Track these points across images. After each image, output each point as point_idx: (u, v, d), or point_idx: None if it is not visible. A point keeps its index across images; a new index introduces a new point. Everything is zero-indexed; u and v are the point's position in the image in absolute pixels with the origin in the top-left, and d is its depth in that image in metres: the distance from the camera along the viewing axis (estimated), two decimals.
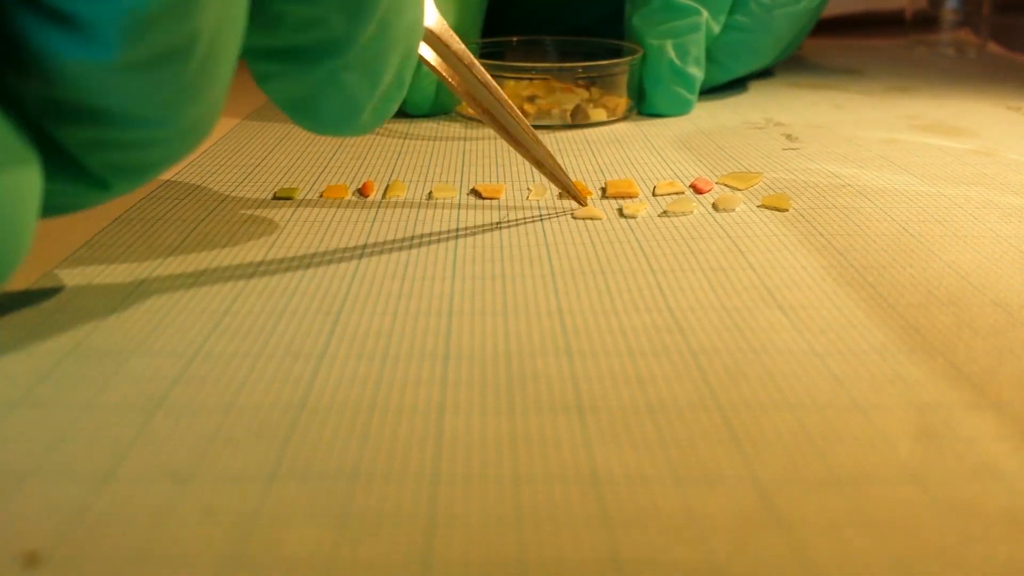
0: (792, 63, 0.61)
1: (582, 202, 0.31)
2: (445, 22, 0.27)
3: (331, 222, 0.30)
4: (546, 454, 0.17)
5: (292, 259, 0.27)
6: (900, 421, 0.18)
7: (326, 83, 0.23)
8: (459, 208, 0.31)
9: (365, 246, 0.28)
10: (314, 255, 0.27)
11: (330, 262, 0.26)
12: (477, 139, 0.40)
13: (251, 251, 0.27)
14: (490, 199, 0.32)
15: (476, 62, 0.28)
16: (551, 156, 0.30)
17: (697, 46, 0.44)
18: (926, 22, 0.66)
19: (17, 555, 0.15)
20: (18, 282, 0.25)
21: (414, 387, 0.20)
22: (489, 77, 0.28)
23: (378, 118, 0.25)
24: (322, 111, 0.23)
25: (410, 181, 0.34)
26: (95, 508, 0.16)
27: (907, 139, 0.39)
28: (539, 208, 0.31)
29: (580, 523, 0.15)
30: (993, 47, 0.65)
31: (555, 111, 0.44)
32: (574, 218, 0.30)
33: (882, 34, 0.72)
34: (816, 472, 0.17)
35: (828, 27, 0.73)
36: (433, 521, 0.16)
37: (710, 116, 0.45)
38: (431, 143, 0.40)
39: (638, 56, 0.44)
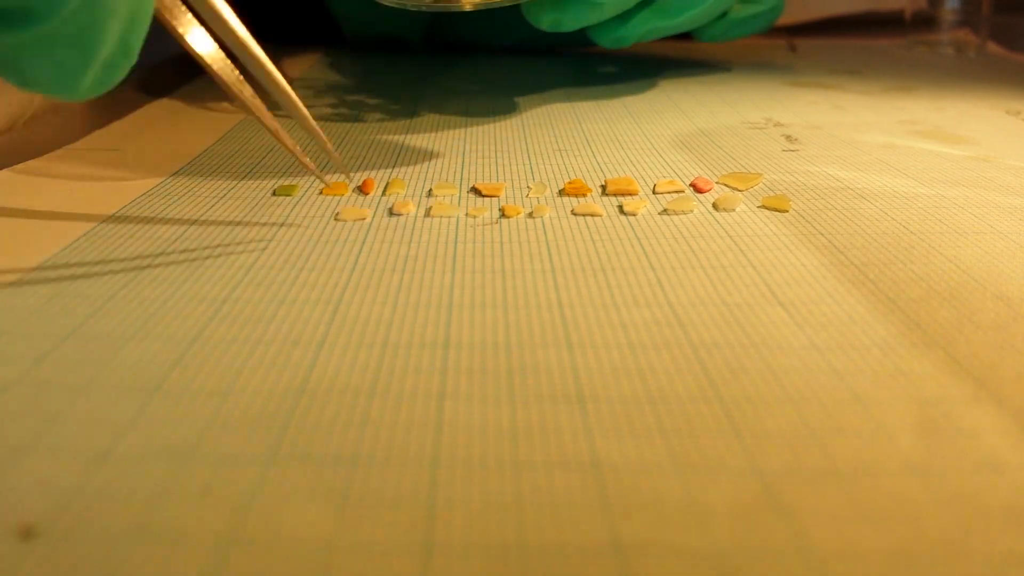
0: (792, 62, 0.61)
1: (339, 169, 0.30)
2: None
3: (331, 217, 0.30)
4: (547, 442, 0.17)
5: (291, 251, 0.26)
6: (901, 415, 0.18)
7: (30, 49, 0.21)
8: (460, 205, 0.31)
9: (365, 240, 0.28)
10: (313, 248, 0.27)
11: (329, 255, 0.26)
12: (477, 137, 0.40)
13: (250, 243, 0.27)
14: (490, 197, 0.32)
15: (235, 21, 0.25)
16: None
17: None
18: (926, 22, 0.66)
19: (13, 528, 0.14)
20: (15, 270, 0.25)
21: (414, 375, 0.20)
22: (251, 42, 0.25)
23: (102, 85, 0.24)
24: (30, 74, 0.22)
25: (410, 179, 0.34)
26: (92, 484, 0.16)
27: (906, 144, 0.39)
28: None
29: (581, 509, 0.15)
30: (993, 47, 0.65)
31: None
32: (574, 214, 0.30)
33: (882, 33, 0.73)
34: (818, 463, 0.17)
35: (828, 27, 0.73)
36: (433, 505, 0.15)
37: (710, 115, 0.45)
38: (431, 141, 0.40)
39: None
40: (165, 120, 0.44)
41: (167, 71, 0.56)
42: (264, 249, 0.27)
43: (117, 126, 0.43)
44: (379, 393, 0.19)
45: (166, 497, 0.15)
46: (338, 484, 0.16)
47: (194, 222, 0.29)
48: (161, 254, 0.26)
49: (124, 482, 0.16)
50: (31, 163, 0.36)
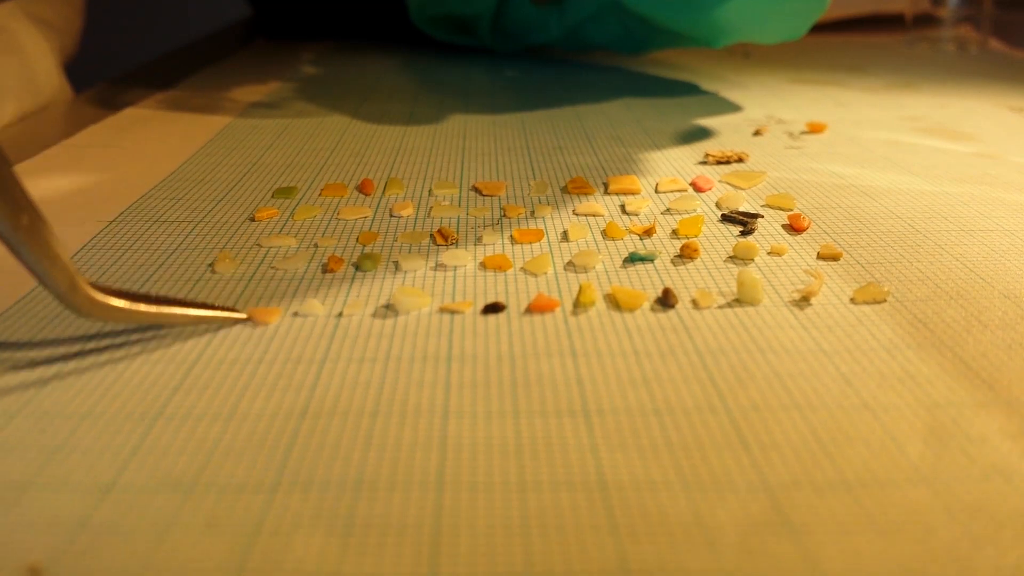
0: (794, 59, 0.61)
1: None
2: None
3: (331, 221, 0.29)
4: (552, 459, 0.17)
5: (292, 260, 0.26)
6: (910, 421, 0.18)
7: None
8: (460, 205, 0.31)
9: (364, 247, 0.27)
10: (314, 253, 0.27)
11: (329, 261, 0.26)
12: (476, 135, 0.40)
13: (249, 252, 0.27)
14: (491, 196, 0.32)
15: None
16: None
17: None
18: (927, 19, 0.65)
19: (20, 568, 0.14)
20: (15, 290, 0.24)
21: (417, 390, 0.20)
22: None
23: None
24: None
25: (409, 179, 0.34)
26: (96, 519, 0.16)
27: (910, 141, 0.39)
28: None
29: (587, 531, 0.15)
30: (994, 43, 0.65)
31: None
32: (575, 214, 0.30)
33: (883, 30, 0.72)
34: (826, 475, 0.17)
35: (831, 27, 0.73)
36: (438, 530, 0.15)
37: (712, 113, 0.45)
38: (429, 140, 0.39)
39: None
40: (160, 118, 0.44)
41: (161, 69, 0.56)
42: (265, 255, 0.27)
43: (112, 121, 0.42)
44: (382, 412, 0.19)
45: (170, 531, 0.15)
46: (342, 511, 0.16)
47: (192, 228, 0.29)
48: (161, 266, 0.26)
49: (128, 516, 0.16)
50: (27, 163, 0.35)
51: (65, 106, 0.48)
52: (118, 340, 0.22)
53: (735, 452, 0.17)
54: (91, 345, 0.21)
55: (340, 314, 0.23)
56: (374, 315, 0.23)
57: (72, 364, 0.21)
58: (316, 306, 0.23)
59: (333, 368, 0.20)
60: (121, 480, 0.17)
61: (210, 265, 0.26)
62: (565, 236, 0.28)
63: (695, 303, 0.23)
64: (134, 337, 0.22)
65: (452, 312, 0.23)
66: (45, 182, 0.33)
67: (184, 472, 0.17)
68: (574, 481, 0.17)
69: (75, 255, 0.27)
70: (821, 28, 0.73)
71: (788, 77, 0.55)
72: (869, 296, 0.24)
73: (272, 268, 0.26)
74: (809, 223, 0.29)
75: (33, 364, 0.21)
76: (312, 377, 0.20)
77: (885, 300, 0.23)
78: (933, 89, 0.51)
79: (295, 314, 0.23)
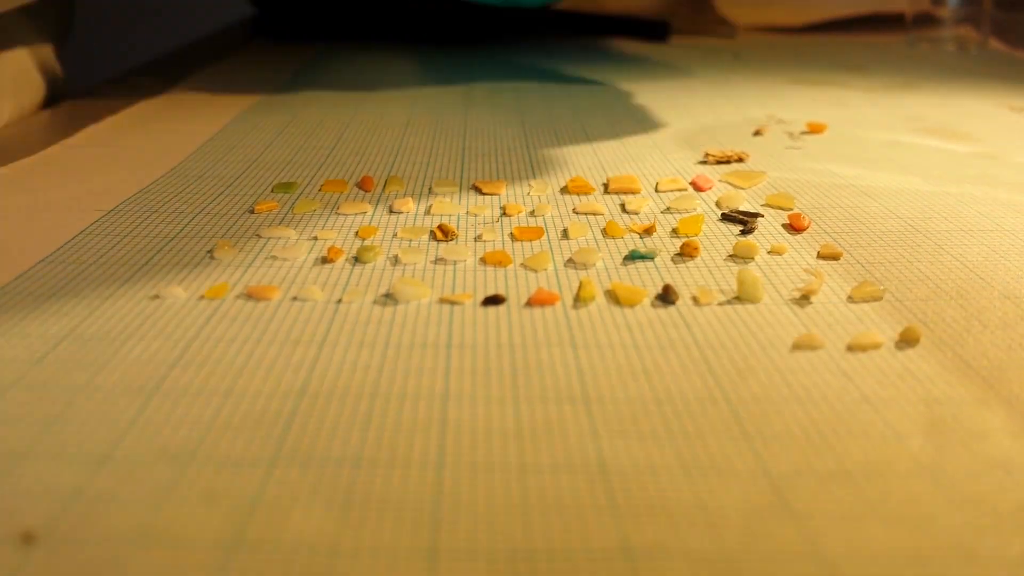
0: (794, 59, 0.61)
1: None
2: None
3: (331, 214, 0.29)
4: (552, 444, 0.17)
5: (290, 248, 0.26)
6: (910, 416, 0.18)
7: None
8: (460, 203, 0.31)
9: (365, 238, 0.27)
10: (313, 245, 0.27)
11: (329, 251, 0.26)
12: (476, 134, 0.40)
13: (248, 240, 0.27)
14: (491, 195, 0.32)
15: None
16: None
17: None
18: (927, 19, 0.66)
19: (14, 534, 0.14)
20: (13, 269, 0.24)
21: (416, 375, 0.19)
22: None
23: None
24: None
25: (409, 177, 0.34)
26: (92, 489, 0.15)
27: (910, 141, 0.39)
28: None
29: (588, 512, 0.15)
30: (994, 43, 0.65)
31: None
32: (575, 213, 0.30)
33: (884, 30, 0.72)
34: (827, 465, 0.17)
35: (830, 23, 0.73)
36: (438, 508, 0.15)
37: (712, 112, 0.45)
38: (430, 138, 0.39)
39: None
40: (160, 118, 0.44)
41: (161, 69, 0.56)
42: (264, 244, 0.26)
43: (111, 121, 0.42)
44: (381, 394, 0.19)
45: (167, 501, 0.15)
46: (341, 487, 0.16)
47: (191, 220, 0.29)
48: (159, 252, 0.26)
49: (124, 486, 0.16)
50: (26, 161, 0.35)
51: (64, 106, 0.48)
52: (114, 317, 0.22)
53: (735, 441, 0.17)
54: (87, 321, 0.21)
55: (339, 300, 0.23)
56: (373, 303, 0.23)
57: (68, 339, 0.21)
58: (315, 291, 0.23)
59: (332, 351, 0.20)
60: (117, 451, 0.17)
61: (209, 252, 0.26)
62: (565, 234, 0.28)
63: (695, 300, 0.23)
64: (131, 315, 0.22)
65: (452, 303, 0.23)
66: (44, 181, 0.33)
67: (182, 445, 0.17)
68: (574, 465, 0.16)
69: (72, 240, 0.27)
70: (821, 28, 0.73)
71: (788, 77, 0.55)
72: (866, 294, 0.23)
73: (271, 257, 0.26)
74: (809, 223, 0.29)
75: (30, 338, 0.21)
76: (311, 358, 0.20)
77: (881, 298, 0.23)
78: (933, 89, 0.51)
79: (294, 298, 0.23)
